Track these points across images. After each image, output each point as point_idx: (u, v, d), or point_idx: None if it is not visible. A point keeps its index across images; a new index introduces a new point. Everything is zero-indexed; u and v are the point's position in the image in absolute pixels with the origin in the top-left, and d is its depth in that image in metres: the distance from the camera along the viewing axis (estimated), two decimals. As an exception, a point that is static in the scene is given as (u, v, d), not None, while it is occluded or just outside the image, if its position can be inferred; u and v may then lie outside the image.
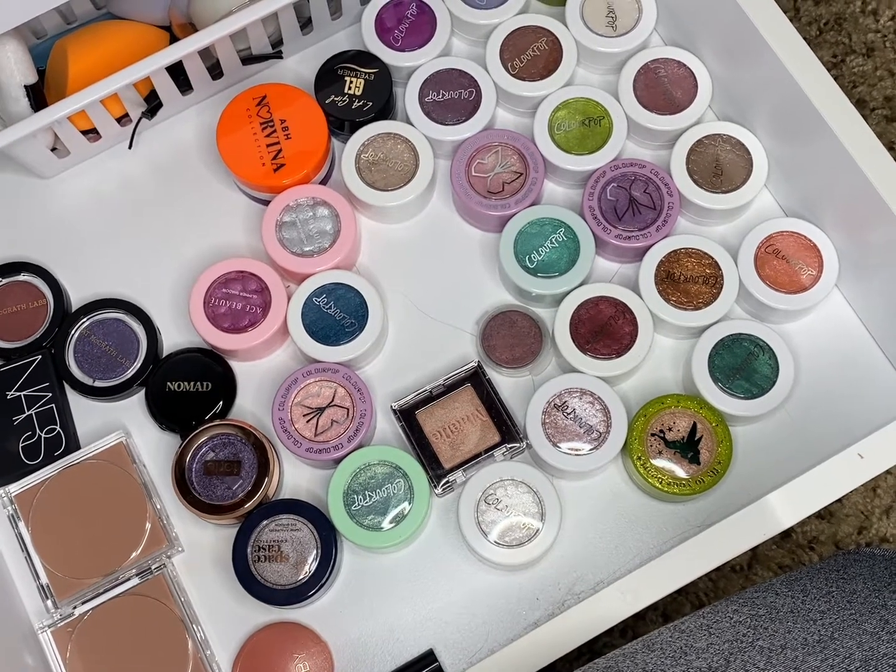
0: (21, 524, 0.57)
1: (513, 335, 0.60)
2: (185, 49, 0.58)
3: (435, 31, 0.64)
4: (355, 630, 0.56)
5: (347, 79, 0.63)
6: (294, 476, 0.59)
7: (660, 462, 0.56)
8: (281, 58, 0.65)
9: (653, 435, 0.56)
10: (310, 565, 0.55)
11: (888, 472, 0.71)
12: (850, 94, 0.78)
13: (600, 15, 0.64)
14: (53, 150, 0.63)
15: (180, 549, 0.57)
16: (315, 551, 0.56)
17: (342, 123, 0.63)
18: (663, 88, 0.62)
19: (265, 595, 0.55)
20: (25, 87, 0.58)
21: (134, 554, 0.56)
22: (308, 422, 0.57)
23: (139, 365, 0.59)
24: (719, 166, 0.61)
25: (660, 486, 0.55)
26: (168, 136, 0.65)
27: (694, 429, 0.56)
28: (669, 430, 0.56)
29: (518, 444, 0.58)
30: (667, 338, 0.60)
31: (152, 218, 0.64)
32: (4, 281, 0.61)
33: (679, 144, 0.61)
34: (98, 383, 0.59)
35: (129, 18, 0.63)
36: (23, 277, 0.61)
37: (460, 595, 0.57)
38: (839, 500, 0.69)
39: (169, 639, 0.55)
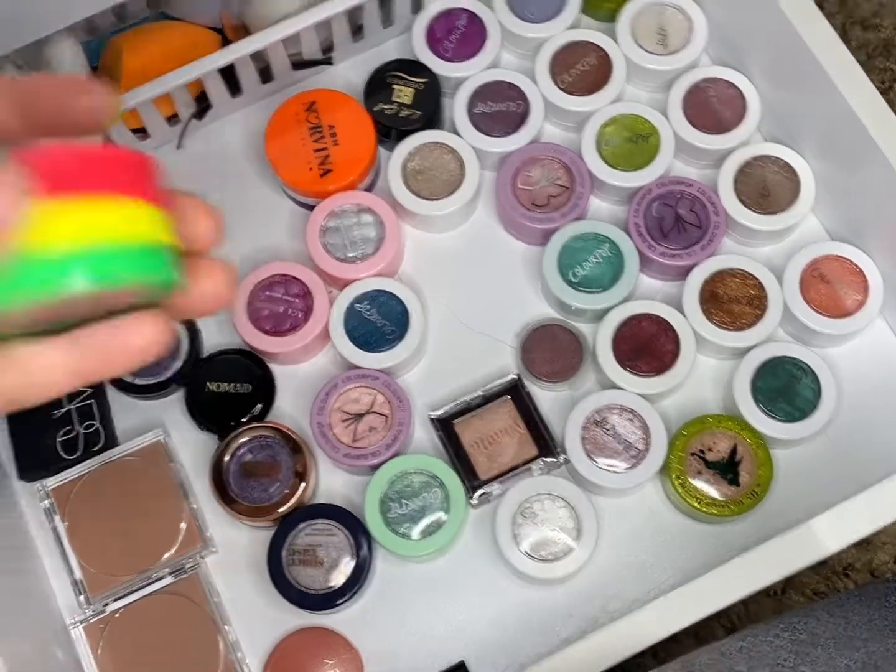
0: (57, 518, 0.57)
1: (553, 349, 0.60)
2: (239, 52, 0.58)
3: (485, 43, 0.64)
4: (386, 638, 0.56)
5: (396, 87, 0.63)
6: (328, 481, 0.59)
7: (699, 482, 0.55)
8: (331, 64, 0.65)
9: (692, 454, 0.56)
10: (344, 571, 0.55)
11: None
12: None
13: (651, 32, 0.64)
14: (102, 147, 0.63)
15: (214, 549, 0.57)
16: (349, 557, 0.56)
17: (389, 131, 0.63)
18: (712, 108, 0.62)
19: (298, 599, 0.55)
20: (79, 83, 0.58)
21: (168, 553, 0.56)
22: (346, 427, 0.57)
23: (180, 364, 0.59)
24: (766, 188, 0.61)
25: (698, 507, 0.55)
26: (215, 137, 0.65)
27: (734, 450, 0.56)
28: (710, 450, 0.56)
29: (555, 459, 0.57)
30: (708, 357, 0.60)
31: (197, 218, 0.64)
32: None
33: (727, 164, 0.61)
34: (138, 381, 0.59)
35: (181, 19, 0.63)
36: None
37: (493, 608, 0.57)
38: (872, 528, 0.68)
39: (200, 639, 0.55)
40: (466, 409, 0.59)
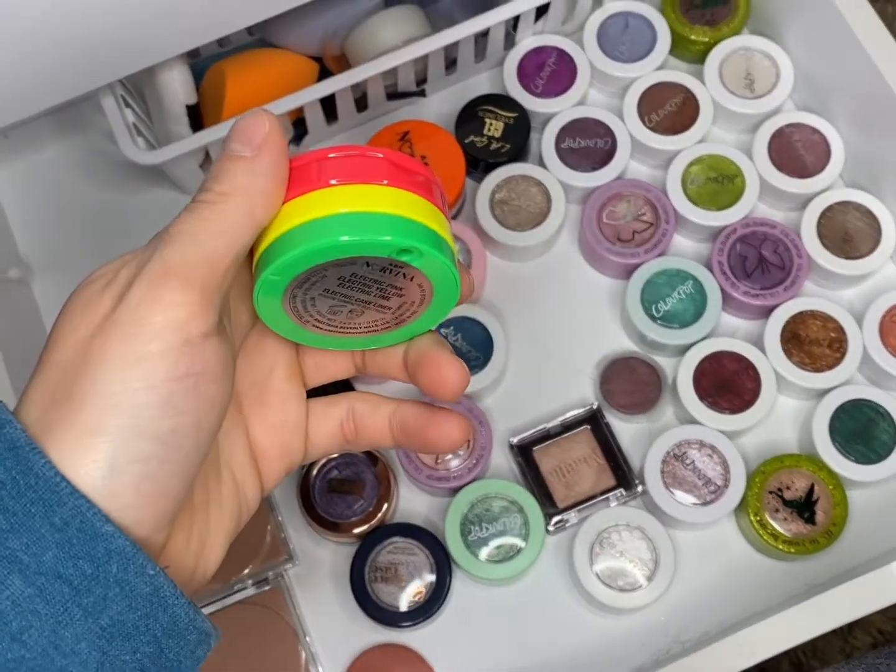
0: (146, 525, 0.59)
1: (632, 381, 0.61)
2: (341, 84, 0.60)
3: (574, 81, 0.66)
4: (461, 658, 0.58)
5: (487, 120, 0.65)
6: (407, 500, 0.61)
7: (776, 520, 0.56)
8: (424, 95, 0.67)
9: (770, 492, 0.57)
10: (423, 590, 0.57)
11: None
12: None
13: (739, 76, 0.65)
14: (201, 166, 0.65)
15: (297, 562, 0.59)
16: (429, 577, 0.57)
17: (477, 163, 0.65)
18: (796, 152, 0.63)
19: (379, 615, 0.56)
20: (187, 106, 0.61)
21: (253, 564, 0.58)
22: (430, 450, 0.59)
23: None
24: (848, 233, 0.62)
25: (774, 544, 0.56)
26: (307, 161, 0.67)
27: (812, 489, 0.57)
28: (787, 488, 0.57)
29: (633, 490, 0.59)
30: (786, 397, 0.61)
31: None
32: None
33: (810, 208, 0.62)
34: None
35: (282, 47, 0.66)
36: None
37: (566, 634, 0.58)
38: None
39: (281, 650, 0.57)
40: (546, 437, 0.60)
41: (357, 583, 0.57)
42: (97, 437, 0.28)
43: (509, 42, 0.66)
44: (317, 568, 0.59)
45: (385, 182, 0.31)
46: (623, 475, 0.59)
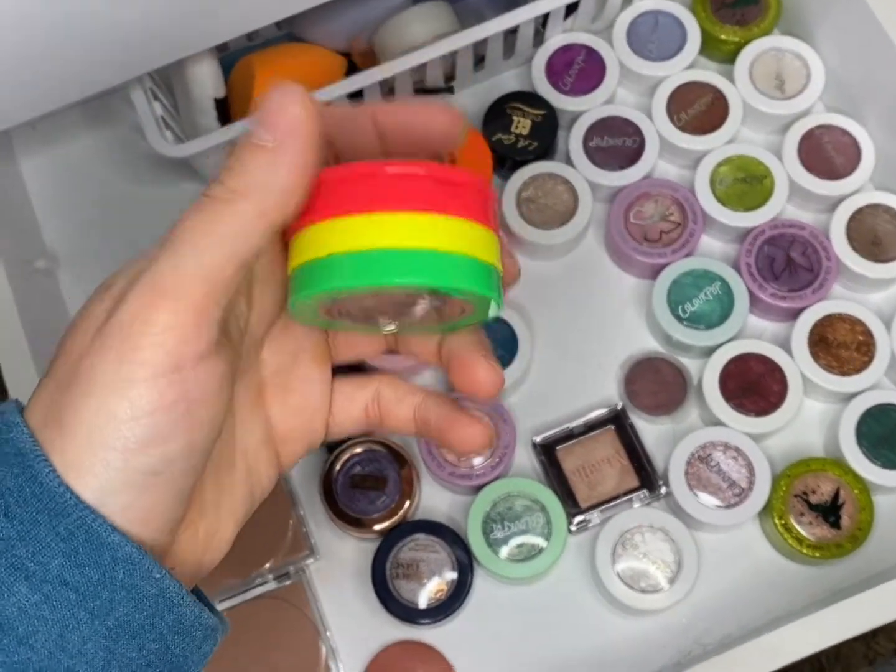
0: (168, 517, 0.59)
1: (657, 382, 0.61)
2: (370, 79, 0.60)
3: (603, 79, 0.65)
4: (481, 657, 0.57)
5: (515, 118, 0.65)
6: (429, 497, 0.61)
7: (801, 524, 0.56)
8: (452, 92, 0.67)
9: (796, 496, 0.56)
10: (444, 587, 0.57)
11: None
12: None
13: (769, 77, 0.65)
14: (227, 161, 0.65)
15: (318, 557, 0.59)
16: (451, 575, 0.57)
17: (504, 160, 0.65)
18: (826, 154, 0.63)
19: (400, 612, 0.56)
20: (215, 99, 0.61)
21: (275, 558, 0.58)
22: (453, 447, 0.59)
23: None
24: (877, 236, 0.61)
25: (799, 549, 0.56)
26: (334, 157, 0.67)
27: (837, 493, 0.56)
28: (813, 492, 0.57)
29: (657, 492, 0.58)
30: (813, 400, 0.60)
31: (313, 234, 0.66)
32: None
33: (840, 211, 0.61)
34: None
35: (311, 41, 0.65)
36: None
37: (587, 633, 0.57)
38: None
39: (301, 644, 0.57)
40: (569, 437, 0.60)
41: (378, 579, 0.57)
42: (87, 469, 0.28)
43: (538, 39, 0.66)
44: (338, 563, 0.59)
45: (431, 210, 0.30)
46: (647, 476, 0.59)
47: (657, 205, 0.63)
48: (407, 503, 0.58)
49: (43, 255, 0.65)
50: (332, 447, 0.59)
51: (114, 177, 0.68)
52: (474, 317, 0.34)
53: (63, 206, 0.68)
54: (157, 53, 0.57)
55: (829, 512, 0.56)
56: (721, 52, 0.67)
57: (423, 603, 0.57)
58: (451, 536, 0.57)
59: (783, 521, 0.56)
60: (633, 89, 0.67)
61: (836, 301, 0.60)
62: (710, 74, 0.65)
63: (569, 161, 0.64)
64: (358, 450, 0.59)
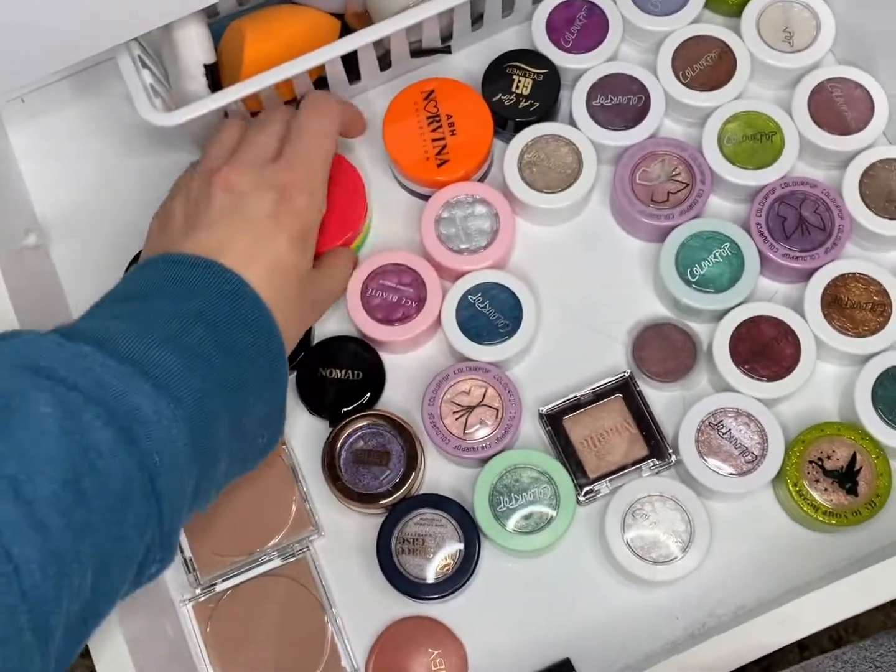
0: (169, 496, 0.58)
1: (666, 348, 0.59)
2: (364, 40, 0.58)
3: (606, 35, 0.63)
4: (490, 632, 0.56)
5: (516, 78, 0.63)
6: (436, 471, 0.59)
7: (816, 491, 0.55)
8: (450, 52, 0.65)
9: (810, 462, 0.55)
10: (451, 562, 0.55)
11: None
12: None
13: (777, 30, 0.62)
14: (219, 129, 0.63)
15: (323, 533, 0.58)
16: (457, 549, 0.56)
17: (505, 122, 0.63)
18: (837, 109, 0.61)
19: (406, 587, 0.55)
20: (205, 66, 0.59)
21: (279, 535, 0.57)
22: (457, 419, 0.57)
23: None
24: (892, 192, 0.59)
25: (814, 515, 0.54)
26: (329, 123, 0.65)
27: (854, 459, 0.55)
28: (828, 458, 0.55)
29: (666, 460, 0.57)
30: (827, 363, 0.59)
31: (309, 203, 0.64)
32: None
33: (852, 166, 0.59)
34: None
35: (303, 3, 0.63)
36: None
37: (598, 607, 0.56)
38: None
39: (307, 622, 0.56)
40: (576, 406, 0.58)
41: (384, 555, 0.55)
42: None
43: (538, -5, 0.64)
44: (343, 539, 0.58)
45: None
46: (656, 445, 0.57)
47: (664, 165, 0.61)
48: (412, 477, 0.56)
49: (34, 230, 0.63)
50: (334, 421, 0.58)
51: (105, 148, 0.66)
52: None
53: (54, 181, 0.66)
54: (143, 18, 0.55)
55: (846, 478, 0.55)
56: (727, 5, 0.64)
57: (429, 578, 0.55)
58: (457, 510, 0.56)
59: (798, 488, 0.55)
60: (636, 46, 0.65)
61: (850, 261, 0.58)
62: (716, 28, 0.63)
63: (572, 122, 0.62)
64: (360, 424, 0.57)
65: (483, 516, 0.55)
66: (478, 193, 0.61)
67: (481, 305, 0.59)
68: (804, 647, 0.58)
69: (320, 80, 0.62)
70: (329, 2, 0.62)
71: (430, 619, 0.56)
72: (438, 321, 0.59)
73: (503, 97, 0.62)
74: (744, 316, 0.57)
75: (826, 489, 0.55)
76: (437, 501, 0.56)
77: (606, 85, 0.62)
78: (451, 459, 0.58)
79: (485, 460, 0.57)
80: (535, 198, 0.61)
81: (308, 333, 0.60)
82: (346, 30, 0.63)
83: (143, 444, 0.40)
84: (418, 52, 0.63)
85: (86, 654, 0.49)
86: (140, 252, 0.56)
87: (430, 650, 0.56)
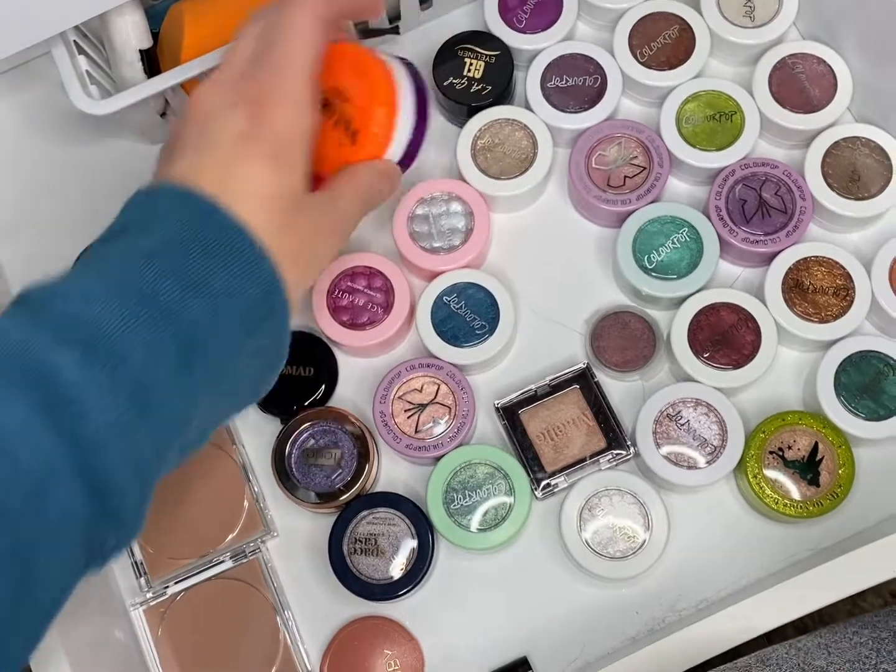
0: (117, 498, 0.57)
1: (625, 337, 0.57)
2: (305, 23, 0.56)
3: (560, 14, 0.61)
4: (447, 630, 0.55)
5: (467, 60, 0.60)
6: (390, 469, 0.58)
7: (777, 482, 0.53)
8: (398, 33, 0.62)
9: (771, 453, 0.54)
10: (405, 561, 0.54)
11: None
12: None
13: (737, 4, 0.60)
14: (162, 115, 0.62)
15: (275, 534, 0.57)
16: (411, 548, 0.54)
17: (457, 107, 0.61)
18: (800, 85, 0.59)
19: (359, 588, 0.54)
20: (140, 51, 0.57)
21: (230, 536, 0.56)
22: (409, 417, 0.56)
23: (241, 345, 0.58)
24: (856, 171, 0.57)
25: (775, 507, 0.53)
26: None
27: (815, 449, 0.53)
28: (789, 448, 0.54)
29: (625, 452, 0.55)
30: (789, 350, 0.57)
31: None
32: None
33: (815, 146, 0.58)
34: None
35: (245, -14, 0.61)
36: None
37: (557, 603, 0.55)
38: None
39: (260, 624, 0.55)
40: (533, 399, 0.57)
41: (336, 556, 0.54)
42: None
43: (489, -27, 0.61)
44: (296, 539, 0.57)
45: None
46: (615, 437, 0.56)
47: (620, 148, 0.59)
48: (364, 476, 0.55)
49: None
50: (284, 419, 0.57)
51: (44, 142, 0.64)
52: None
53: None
54: (77, 9, 0.53)
55: (807, 468, 0.53)
56: (686, -21, 0.62)
57: (383, 578, 0.54)
58: (409, 508, 0.55)
59: (758, 480, 0.53)
60: (592, 24, 0.63)
61: (812, 244, 0.56)
62: (674, 4, 0.61)
63: (527, 105, 0.60)
64: (310, 422, 0.56)
65: (437, 514, 0.54)
66: (453, 191, 0.58)
67: (457, 307, 0.57)
68: (770, 640, 0.58)
69: (265, 65, 0.60)
70: (272, -16, 0.60)
71: (386, 618, 0.55)
72: (404, 328, 0.58)
73: (455, 81, 0.60)
74: (703, 303, 0.56)
75: (787, 480, 0.53)
76: (389, 500, 0.55)
77: (562, 65, 0.60)
78: (404, 458, 0.57)
79: (439, 459, 0.55)
80: (489, 184, 0.59)
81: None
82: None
83: (64, 414, 0.34)
84: (365, 32, 0.61)
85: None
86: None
87: (385, 651, 0.54)
